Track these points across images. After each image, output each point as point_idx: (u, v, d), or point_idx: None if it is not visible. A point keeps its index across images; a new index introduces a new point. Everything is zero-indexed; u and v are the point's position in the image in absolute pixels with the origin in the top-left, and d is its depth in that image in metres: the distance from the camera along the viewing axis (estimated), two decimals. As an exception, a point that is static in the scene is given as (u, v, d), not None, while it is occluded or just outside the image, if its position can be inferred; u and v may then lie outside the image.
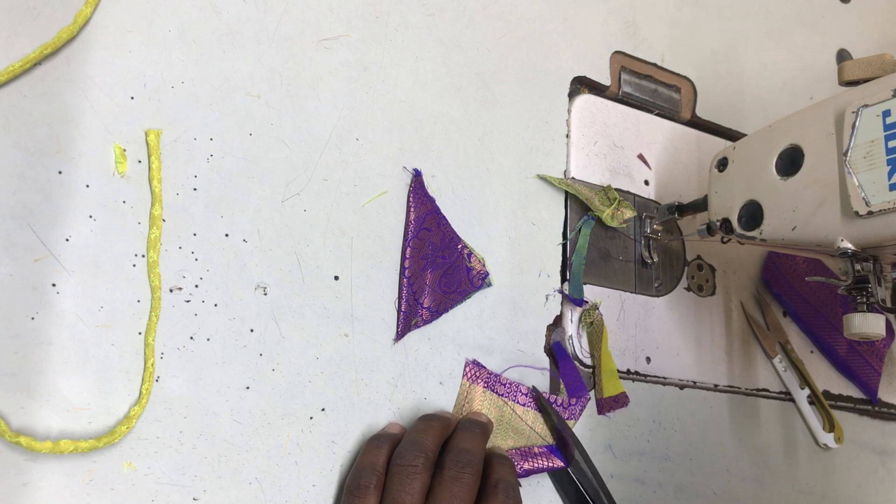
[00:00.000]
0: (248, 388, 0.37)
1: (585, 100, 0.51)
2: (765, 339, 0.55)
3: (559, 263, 0.48)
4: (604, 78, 0.52)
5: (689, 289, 0.53)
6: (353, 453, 0.39)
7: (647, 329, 0.50)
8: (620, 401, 0.46)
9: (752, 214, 0.42)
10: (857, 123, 0.37)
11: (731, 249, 0.55)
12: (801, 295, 0.56)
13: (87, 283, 0.34)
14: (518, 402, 0.43)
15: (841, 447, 0.56)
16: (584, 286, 0.48)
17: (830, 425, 0.55)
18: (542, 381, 0.45)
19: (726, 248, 0.55)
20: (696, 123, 0.56)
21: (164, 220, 0.36)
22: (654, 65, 0.54)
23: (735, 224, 0.43)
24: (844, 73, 0.39)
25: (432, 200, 0.43)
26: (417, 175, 0.43)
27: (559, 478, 0.44)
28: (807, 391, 0.55)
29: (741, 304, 0.55)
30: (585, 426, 0.46)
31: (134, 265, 0.35)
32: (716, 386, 0.52)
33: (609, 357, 0.47)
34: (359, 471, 0.37)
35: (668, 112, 0.55)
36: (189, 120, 0.38)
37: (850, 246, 0.38)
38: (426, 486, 0.36)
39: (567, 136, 0.50)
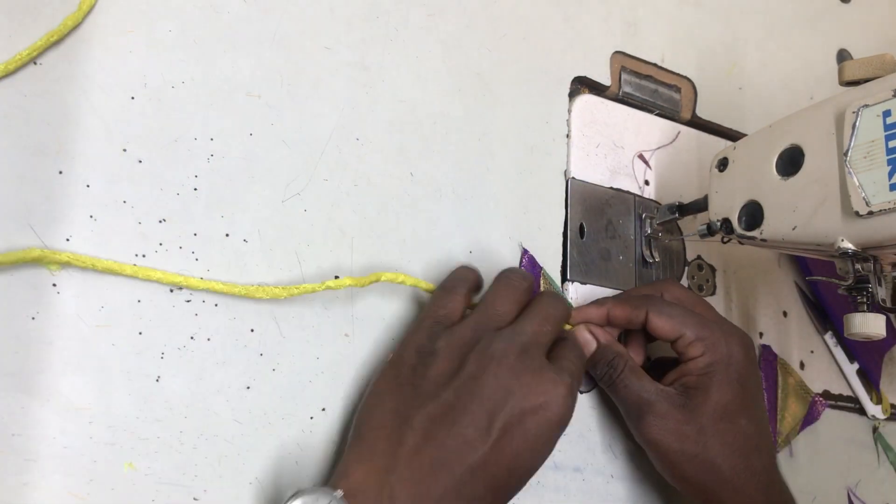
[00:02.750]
0: (248, 388, 0.37)
1: (586, 100, 0.51)
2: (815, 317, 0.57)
3: (559, 264, 0.48)
4: (604, 78, 0.52)
5: (689, 289, 0.53)
6: (353, 453, 0.39)
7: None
8: None
9: (753, 214, 0.42)
10: (857, 123, 0.37)
11: (731, 249, 0.55)
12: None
13: (88, 283, 0.34)
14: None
15: (841, 447, 0.56)
16: (585, 286, 0.48)
17: (878, 397, 0.56)
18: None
19: (726, 249, 0.55)
20: (696, 123, 0.56)
21: (164, 220, 0.36)
22: (655, 65, 0.55)
23: (735, 224, 0.43)
24: (844, 73, 0.39)
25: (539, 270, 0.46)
26: (525, 252, 0.46)
27: None
28: (856, 365, 0.56)
29: (795, 283, 0.58)
30: (585, 426, 0.46)
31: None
32: (716, 386, 0.52)
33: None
34: (455, 276, 0.41)
35: (668, 112, 0.55)
36: (189, 120, 0.38)
37: (850, 246, 0.38)
38: (523, 304, 0.39)
39: (567, 136, 0.50)
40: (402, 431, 0.34)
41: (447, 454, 0.33)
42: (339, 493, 0.31)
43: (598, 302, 0.45)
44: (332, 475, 0.34)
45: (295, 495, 0.31)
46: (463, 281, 0.40)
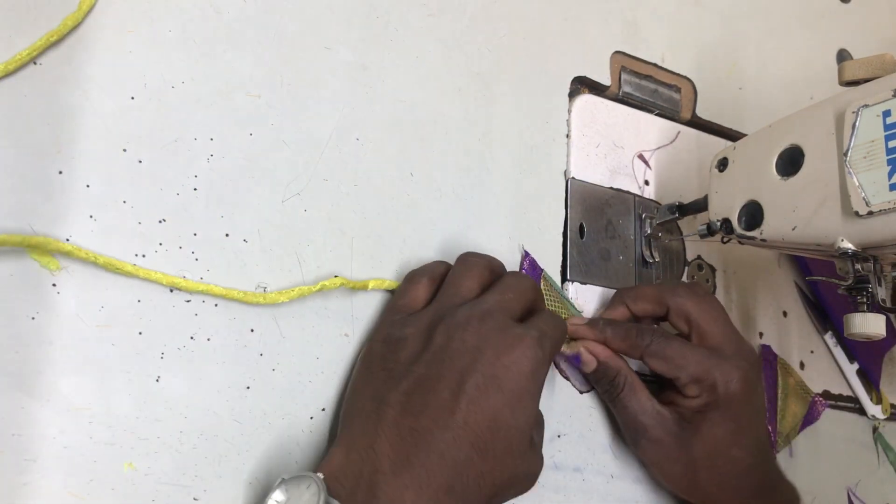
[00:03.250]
0: (248, 387, 0.37)
1: (586, 100, 0.51)
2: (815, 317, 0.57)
3: (559, 264, 0.48)
4: (604, 78, 0.52)
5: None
6: (353, 453, 0.39)
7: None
8: None
9: (753, 214, 0.42)
10: (857, 123, 0.37)
11: (731, 249, 0.55)
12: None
13: (88, 283, 0.34)
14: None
15: (841, 447, 0.56)
16: (586, 286, 0.48)
17: (878, 397, 0.56)
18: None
19: (726, 248, 0.55)
20: (696, 123, 0.56)
21: (164, 220, 0.36)
22: (654, 65, 0.55)
23: (735, 224, 0.43)
24: (844, 73, 0.39)
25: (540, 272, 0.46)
26: (527, 255, 0.46)
27: None
28: (856, 365, 0.56)
29: (795, 283, 0.58)
30: (585, 426, 0.46)
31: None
32: (716, 386, 0.52)
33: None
34: (419, 269, 0.40)
35: (668, 112, 0.55)
36: (189, 120, 0.38)
37: (850, 246, 0.38)
38: (486, 282, 0.39)
39: (567, 136, 0.50)
40: (379, 410, 0.34)
41: (425, 421, 0.33)
42: (320, 475, 0.31)
43: (594, 325, 0.44)
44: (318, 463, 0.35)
45: (280, 483, 0.31)
46: (426, 270, 0.40)
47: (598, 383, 0.45)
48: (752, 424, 0.43)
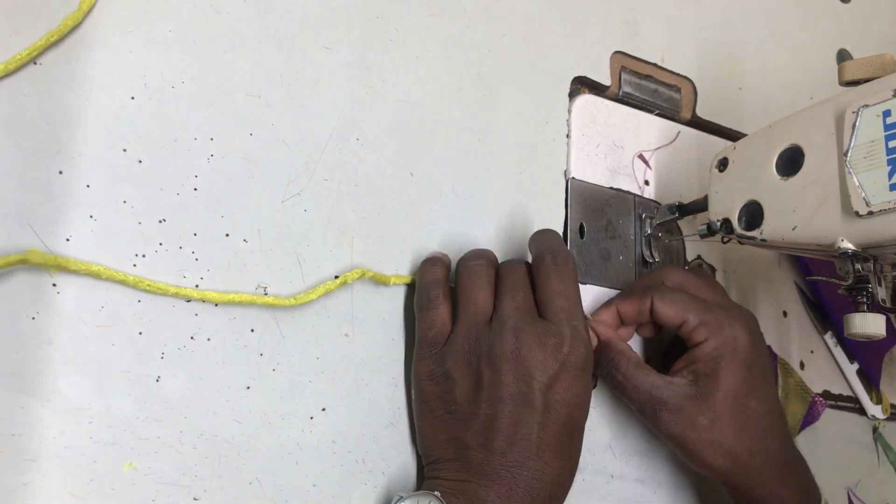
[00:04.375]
0: (248, 387, 0.37)
1: (586, 100, 0.51)
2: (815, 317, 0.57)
3: (559, 263, 0.48)
4: (604, 78, 0.52)
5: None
6: (353, 453, 0.39)
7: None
8: None
9: (753, 214, 0.42)
10: (857, 123, 0.37)
11: (731, 249, 0.55)
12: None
13: (88, 283, 0.34)
14: None
15: (841, 447, 0.56)
16: (585, 286, 0.48)
17: (878, 397, 0.56)
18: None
19: (726, 248, 0.55)
20: (696, 123, 0.56)
21: (164, 220, 0.36)
22: (654, 65, 0.55)
23: (735, 224, 0.43)
24: (844, 73, 0.39)
25: None
26: None
27: None
28: (856, 365, 0.56)
29: (795, 283, 0.57)
30: (585, 426, 0.46)
31: (134, 265, 0.35)
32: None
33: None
34: (424, 287, 0.40)
35: (668, 112, 0.55)
36: (189, 120, 0.38)
37: (850, 246, 0.38)
38: (493, 280, 0.40)
39: (567, 136, 0.50)
40: (462, 455, 0.37)
41: (514, 456, 0.36)
42: (438, 493, 0.35)
43: (605, 304, 0.46)
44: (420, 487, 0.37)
45: (398, 500, 0.35)
46: (433, 287, 0.40)
47: (599, 366, 0.44)
48: (764, 379, 0.43)
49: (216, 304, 0.37)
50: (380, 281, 0.41)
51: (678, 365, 0.43)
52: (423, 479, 0.39)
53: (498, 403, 0.36)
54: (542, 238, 0.41)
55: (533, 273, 0.40)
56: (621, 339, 0.45)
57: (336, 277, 0.40)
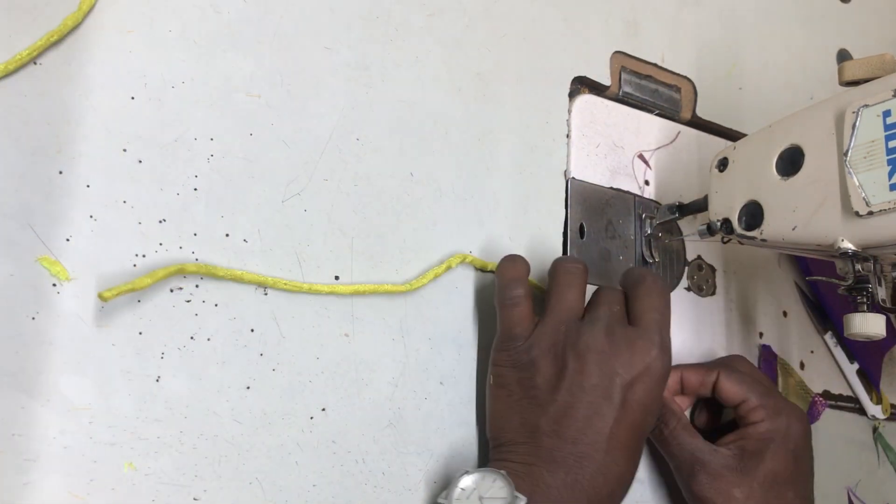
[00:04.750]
0: (248, 387, 0.37)
1: (586, 100, 0.51)
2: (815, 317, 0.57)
3: (559, 263, 0.48)
4: (604, 78, 0.52)
5: (689, 289, 0.53)
6: (353, 453, 0.39)
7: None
8: None
9: (753, 214, 0.42)
10: (857, 123, 0.37)
11: (731, 249, 0.55)
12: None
13: (88, 283, 0.34)
14: None
15: (841, 447, 0.56)
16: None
17: (878, 397, 0.56)
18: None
19: (726, 249, 0.55)
20: (697, 123, 0.56)
21: (164, 220, 0.36)
22: (655, 65, 0.55)
23: (735, 224, 0.43)
24: (844, 73, 0.39)
25: None
26: None
27: None
28: (856, 365, 0.56)
29: (795, 283, 0.57)
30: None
31: (135, 265, 0.35)
32: (716, 386, 0.52)
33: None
34: (506, 284, 0.41)
35: (668, 112, 0.55)
36: (189, 120, 0.38)
37: (850, 246, 0.38)
38: (585, 286, 0.41)
39: (567, 136, 0.50)
40: (535, 439, 0.37)
41: (584, 447, 0.36)
42: (503, 472, 0.35)
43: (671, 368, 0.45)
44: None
45: (463, 473, 0.35)
46: (516, 286, 0.41)
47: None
48: (808, 476, 0.44)
49: (216, 305, 0.37)
50: (479, 266, 0.44)
51: (727, 438, 0.44)
52: (488, 462, 0.39)
53: (578, 392, 0.37)
54: (640, 269, 0.43)
55: (628, 292, 0.41)
56: (676, 404, 0.45)
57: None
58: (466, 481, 0.35)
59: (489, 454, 0.40)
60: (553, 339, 0.39)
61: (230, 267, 0.37)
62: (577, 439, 0.36)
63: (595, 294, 0.42)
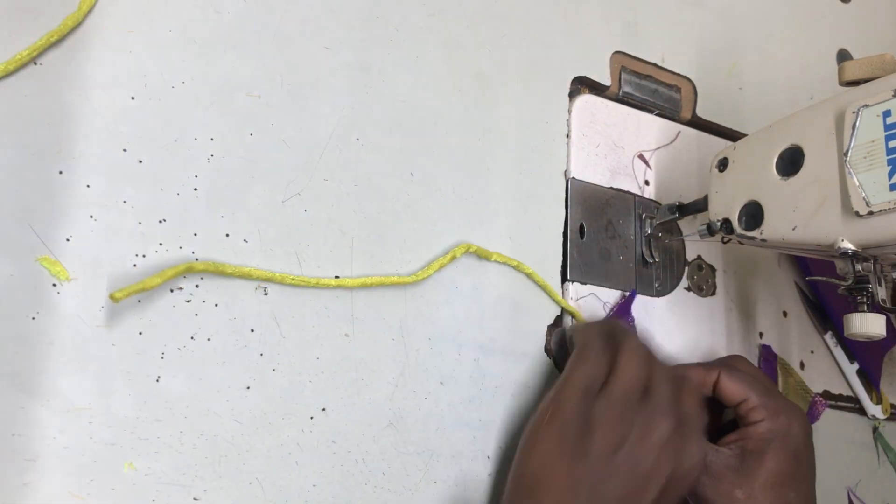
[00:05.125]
0: (248, 387, 0.37)
1: (586, 100, 0.51)
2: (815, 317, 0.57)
3: (559, 264, 0.48)
4: (604, 78, 0.52)
5: (689, 289, 0.53)
6: (353, 453, 0.39)
7: (647, 329, 0.50)
8: None
9: (753, 214, 0.42)
10: (857, 123, 0.37)
11: (731, 249, 0.55)
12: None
13: (88, 283, 0.34)
14: None
15: (841, 447, 0.56)
16: (586, 286, 0.48)
17: (878, 397, 0.56)
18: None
19: (726, 249, 0.55)
20: (697, 123, 0.56)
21: (164, 220, 0.36)
22: (655, 65, 0.55)
23: (735, 224, 0.43)
24: (844, 73, 0.39)
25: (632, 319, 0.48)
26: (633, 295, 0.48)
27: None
28: (856, 365, 0.56)
29: (795, 283, 0.57)
30: None
31: (135, 265, 0.35)
32: (716, 386, 0.52)
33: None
34: (592, 339, 0.41)
35: (668, 112, 0.55)
36: (189, 120, 0.38)
37: (850, 246, 0.38)
38: (650, 365, 0.40)
39: (567, 136, 0.50)
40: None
41: None
42: None
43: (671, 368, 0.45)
44: None
45: None
46: (596, 354, 0.40)
47: None
48: (809, 477, 0.44)
49: (216, 305, 0.37)
50: (483, 255, 0.44)
51: (728, 438, 0.44)
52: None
53: (629, 481, 0.37)
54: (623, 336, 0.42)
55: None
56: None
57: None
58: None
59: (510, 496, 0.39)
60: (617, 411, 0.38)
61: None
62: None
63: (652, 380, 0.40)
